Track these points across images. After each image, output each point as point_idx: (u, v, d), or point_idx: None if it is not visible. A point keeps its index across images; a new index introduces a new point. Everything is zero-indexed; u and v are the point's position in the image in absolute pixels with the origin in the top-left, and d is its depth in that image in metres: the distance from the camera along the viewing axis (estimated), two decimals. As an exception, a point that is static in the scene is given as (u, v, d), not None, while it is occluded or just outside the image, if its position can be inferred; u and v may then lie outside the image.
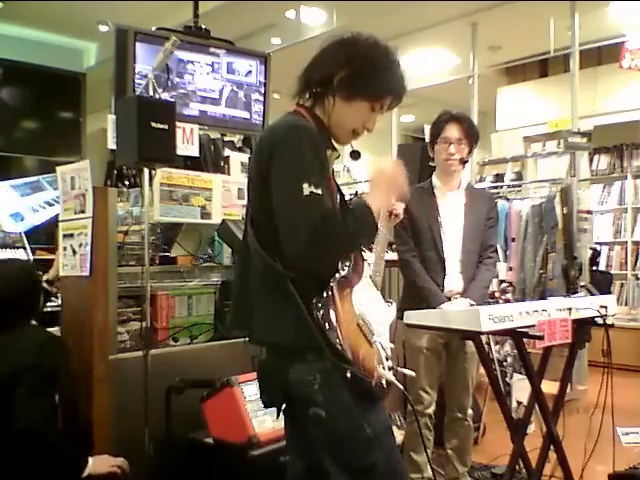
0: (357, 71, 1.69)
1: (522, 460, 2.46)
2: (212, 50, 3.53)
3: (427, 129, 3.13)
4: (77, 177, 2.80)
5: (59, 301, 3.09)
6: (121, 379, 2.68)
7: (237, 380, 2.59)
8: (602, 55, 7.26)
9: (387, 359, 1.77)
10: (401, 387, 1.83)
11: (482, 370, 2.55)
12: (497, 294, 4.06)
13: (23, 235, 4.25)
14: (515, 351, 3.54)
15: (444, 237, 2.86)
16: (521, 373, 3.52)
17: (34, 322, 2.54)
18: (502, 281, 4.64)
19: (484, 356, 2.43)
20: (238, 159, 3.45)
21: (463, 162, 2.89)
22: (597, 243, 6.48)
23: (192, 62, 3.44)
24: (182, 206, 3.11)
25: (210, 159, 3.49)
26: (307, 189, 1.56)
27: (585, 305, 2.42)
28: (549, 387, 2.74)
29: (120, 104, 2.86)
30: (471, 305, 2.72)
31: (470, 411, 3.00)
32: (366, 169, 1.77)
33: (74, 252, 2.77)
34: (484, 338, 2.85)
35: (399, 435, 3.17)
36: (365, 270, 1.82)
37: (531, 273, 4.99)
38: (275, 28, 6.65)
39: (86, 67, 7.77)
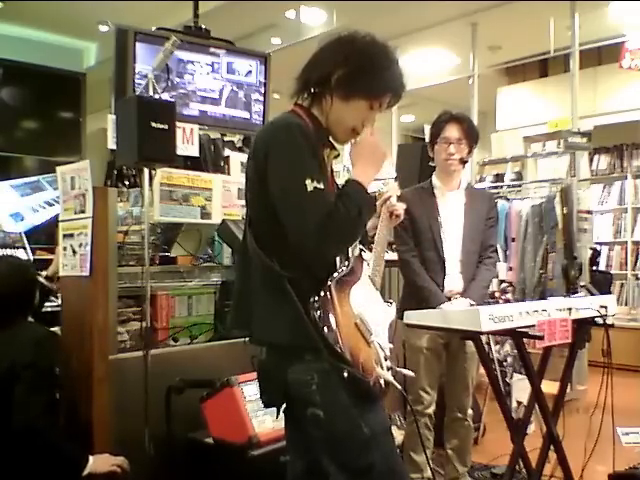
0: (354, 70, 1.68)
1: (522, 460, 2.46)
2: (212, 50, 3.53)
3: (427, 129, 3.13)
4: (77, 177, 2.80)
5: (59, 301, 3.09)
6: (121, 379, 2.68)
7: (237, 380, 2.59)
8: (602, 55, 7.26)
9: (386, 359, 1.77)
10: (399, 387, 1.83)
11: (482, 370, 2.55)
12: (497, 294, 4.05)
13: (23, 235, 4.24)
14: (515, 351, 3.54)
15: (444, 237, 2.86)
16: (521, 373, 3.52)
17: (31, 319, 2.55)
18: (502, 281, 4.64)
19: (484, 356, 2.43)
20: (238, 159, 3.45)
21: (463, 162, 2.90)
22: (597, 243, 6.48)
23: (192, 62, 3.43)
24: (182, 206, 3.11)
25: (210, 159, 3.49)
26: (310, 185, 1.56)
27: (585, 305, 2.42)
28: (549, 387, 2.74)
29: (120, 104, 2.86)
30: (471, 305, 2.72)
31: (470, 411, 3.00)
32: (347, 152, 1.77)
33: (74, 252, 2.77)
34: (484, 338, 2.84)
35: (399, 435, 3.17)
36: (364, 270, 1.82)
37: (531, 273, 4.99)
38: (275, 28, 6.65)
39: (86, 67, 7.77)
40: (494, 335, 3.59)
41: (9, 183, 4.65)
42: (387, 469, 1.68)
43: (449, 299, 2.79)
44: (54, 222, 3.26)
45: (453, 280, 2.85)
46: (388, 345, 1.82)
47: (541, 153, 6.73)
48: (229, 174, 3.43)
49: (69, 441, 2.31)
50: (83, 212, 2.75)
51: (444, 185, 2.95)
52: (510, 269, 5.13)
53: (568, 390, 3.52)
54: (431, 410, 2.90)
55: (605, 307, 2.42)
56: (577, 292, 3.93)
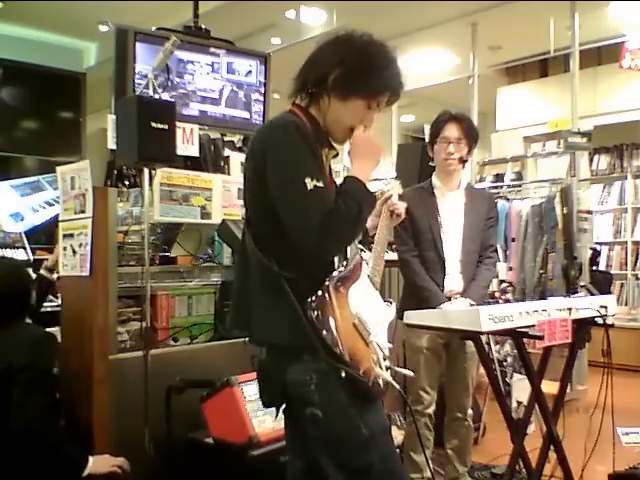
0: (351, 69, 1.67)
1: (522, 460, 2.46)
2: (212, 50, 3.52)
3: (427, 129, 3.13)
4: (77, 177, 2.80)
5: (59, 301, 3.09)
6: (121, 379, 2.68)
7: (237, 380, 2.59)
8: (602, 55, 7.26)
9: (385, 359, 1.77)
10: (398, 387, 1.83)
11: (482, 370, 2.55)
12: (497, 294, 4.05)
13: (23, 235, 4.25)
14: (515, 351, 3.54)
15: (444, 237, 2.86)
16: (521, 373, 3.52)
17: (29, 320, 2.54)
18: (502, 281, 4.64)
19: (484, 356, 2.43)
20: (238, 159, 3.44)
21: (462, 161, 2.90)
22: (597, 243, 6.47)
23: (192, 62, 3.43)
24: (182, 206, 3.10)
25: (210, 159, 3.48)
26: (310, 183, 1.56)
27: (585, 305, 2.42)
28: (549, 387, 2.74)
29: (120, 104, 2.86)
30: (471, 305, 2.72)
31: (470, 411, 3.00)
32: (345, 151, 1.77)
33: (74, 252, 2.77)
34: (484, 338, 2.84)
35: (399, 435, 3.17)
36: (363, 270, 1.82)
37: (531, 273, 4.99)
38: (275, 28, 6.65)
39: (86, 67, 7.77)
40: (494, 335, 3.59)
41: (9, 183, 4.65)
42: (386, 469, 1.68)
43: (449, 299, 2.79)
44: (54, 222, 3.26)
45: (453, 280, 2.84)
46: (387, 345, 1.82)
47: (541, 153, 6.73)
48: (229, 174, 3.42)
49: (69, 442, 2.31)
50: (83, 212, 2.75)
51: (444, 185, 2.95)
52: (510, 269, 5.13)
53: (568, 390, 3.52)
54: (431, 410, 2.90)
55: (605, 307, 2.42)
56: (577, 292, 3.93)
